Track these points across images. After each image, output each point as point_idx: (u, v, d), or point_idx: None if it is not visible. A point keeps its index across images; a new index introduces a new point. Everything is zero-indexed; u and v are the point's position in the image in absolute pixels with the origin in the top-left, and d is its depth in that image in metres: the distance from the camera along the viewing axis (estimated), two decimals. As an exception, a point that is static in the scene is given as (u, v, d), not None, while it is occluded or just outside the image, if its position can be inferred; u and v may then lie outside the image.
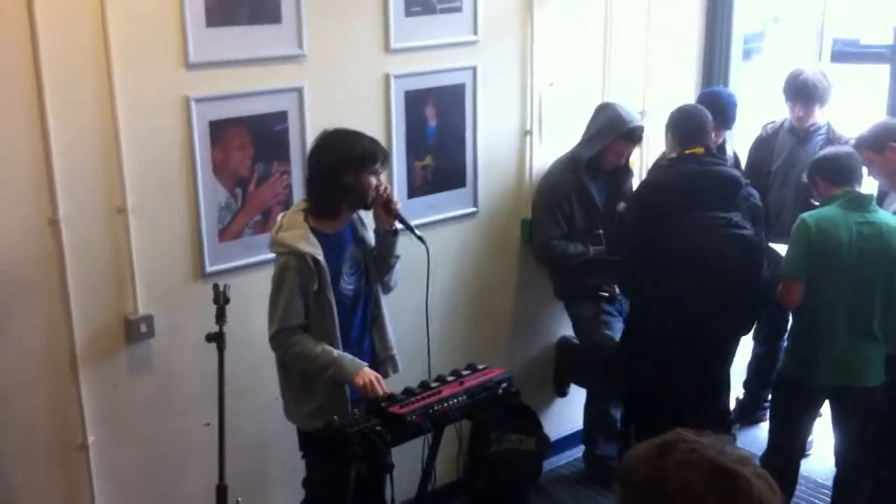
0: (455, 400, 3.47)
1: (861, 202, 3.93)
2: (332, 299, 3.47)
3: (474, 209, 4.58)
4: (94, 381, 3.62)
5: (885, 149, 4.15)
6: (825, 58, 5.56)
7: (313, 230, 3.47)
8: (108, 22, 3.34)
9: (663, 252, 4.09)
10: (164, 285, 3.70)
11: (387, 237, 3.65)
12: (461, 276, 4.62)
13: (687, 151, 4.21)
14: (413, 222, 4.31)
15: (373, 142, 3.52)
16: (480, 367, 3.69)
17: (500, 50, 4.48)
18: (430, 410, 3.39)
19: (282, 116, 3.85)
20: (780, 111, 5.09)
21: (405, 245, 4.27)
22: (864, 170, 4.10)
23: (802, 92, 4.84)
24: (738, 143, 5.28)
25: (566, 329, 5.01)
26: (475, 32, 4.35)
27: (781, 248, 4.18)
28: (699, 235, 4.05)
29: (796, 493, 4.50)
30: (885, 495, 4.26)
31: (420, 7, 4.14)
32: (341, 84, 3.99)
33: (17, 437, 3.49)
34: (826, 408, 4.23)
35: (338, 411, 3.40)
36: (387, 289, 3.78)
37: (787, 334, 4.41)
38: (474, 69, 4.39)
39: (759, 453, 4.25)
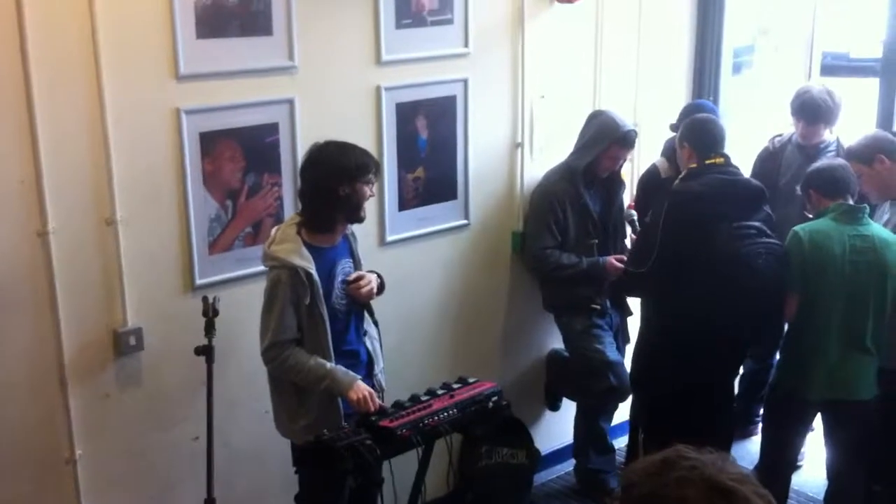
0: (445, 413, 3.46)
1: (854, 215, 3.93)
2: (324, 313, 3.45)
3: (465, 221, 4.57)
4: (83, 393, 3.59)
5: (874, 161, 4.16)
6: (815, 71, 5.58)
7: (306, 244, 3.46)
8: (98, 33, 3.33)
9: (694, 263, 4.03)
10: (154, 298, 3.68)
11: None
12: (452, 289, 4.61)
13: (708, 161, 4.19)
14: (404, 235, 4.34)
15: (364, 152, 3.52)
16: (471, 380, 3.68)
17: (492, 62, 4.49)
18: (421, 424, 3.38)
19: (273, 128, 3.84)
20: (770, 124, 5.09)
21: (394, 256, 4.27)
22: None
23: (806, 111, 4.79)
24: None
25: (556, 342, 5.00)
26: (466, 45, 4.35)
27: None
28: (730, 245, 3.99)
29: (787, 506, 4.50)
30: (878, 509, 4.26)
31: (411, 19, 4.14)
32: (332, 96, 3.98)
33: (3, 450, 3.45)
34: (818, 421, 4.22)
35: (331, 425, 3.38)
36: None
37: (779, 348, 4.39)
38: (465, 81, 4.39)
39: (751, 467, 4.24)
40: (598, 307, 4.70)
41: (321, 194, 3.46)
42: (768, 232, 4.08)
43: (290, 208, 3.87)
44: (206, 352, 3.45)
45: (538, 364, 5.07)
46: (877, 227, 3.98)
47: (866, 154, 4.19)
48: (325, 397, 3.49)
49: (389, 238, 4.28)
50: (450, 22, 4.28)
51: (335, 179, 3.42)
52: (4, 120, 3.23)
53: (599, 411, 4.93)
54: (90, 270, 3.51)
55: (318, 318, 3.45)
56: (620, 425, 5.09)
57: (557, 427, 5.14)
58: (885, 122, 4.74)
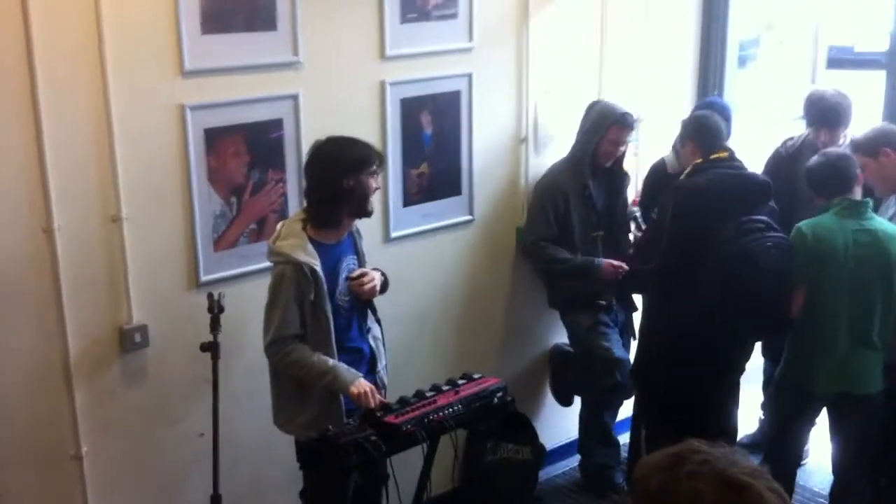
0: (450, 409, 3.45)
1: (857, 209, 3.92)
2: (328, 309, 3.45)
3: (470, 217, 4.56)
4: (88, 390, 3.59)
5: (880, 154, 4.14)
6: (821, 65, 5.56)
7: (312, 240, 3.46)
8: (103, 30, 3.33)
9: (701, 258, 4.01)
10: (159, 294, 3.68)
11: None
12: (456, 285, 4.60)
13: (713, 156, 4.18)
14: (408, 231, 4.33)
15: (366, 145, 3.52)
16: (476, 376, 3.67)
17: (496, 57, 4.48)
18: (426, 420, 3.37)
19: (277, 124, 3.84)
20: (775, 118, 5.07)
21: (399, 252, 4.27)
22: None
23: (827, 118, 4.65)
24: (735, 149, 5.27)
25: (560, 337, 4.99)
26: (471, 39, 4.34)
27: None
28: (738, 240, 3.97)
29: (793, 502, 4.49)
30: (884, 504, 4.25)
31: (415, 14, 4.13)
32: (337, 91, 3.97)
33: (9, 447, 3.46)
34: (822, 416, 4.22)
35: (333, 421, 3.38)
36: None
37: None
38: (470, 76, 4.38)
39: (756, 461, 4.23)
40: (605, 303, 4.69)
41: (326, 189, 3.45)
42: (775, 226, 4.07)
43: (295, 204, 3.86)
44: (211, 348, 3.46)
45: (543, 359, 5.06)
46: (880, 221, 3.97)
47: (872, 147, 4.17)
48: (326, 393, 3.49)
49: (394, 234, 4.27)
50: (454, 16, 4.26)
51: (339, 173, 3.42)
52: (9, 117, 3.23)
53: (604, 406, 4.93)
54: (95, 267, 3.51)
55: (322, 315, 3.44)
56: (624, 421, 5.09)
57: (562, 422, 5.13)
58: (891, 115, 4.71)
